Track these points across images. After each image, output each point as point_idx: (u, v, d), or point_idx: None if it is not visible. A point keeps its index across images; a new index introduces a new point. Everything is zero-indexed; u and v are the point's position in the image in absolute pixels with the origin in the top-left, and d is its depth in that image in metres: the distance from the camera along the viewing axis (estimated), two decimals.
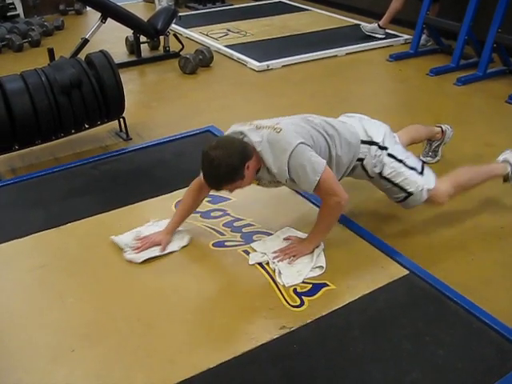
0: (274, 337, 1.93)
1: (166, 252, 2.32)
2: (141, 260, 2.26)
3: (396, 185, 2.34)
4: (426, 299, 2.10)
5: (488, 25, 4.15)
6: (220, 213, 2.60)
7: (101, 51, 3.19)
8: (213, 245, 2.39)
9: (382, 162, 2.32)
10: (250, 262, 2.24)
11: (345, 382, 1.79)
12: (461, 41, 4.36)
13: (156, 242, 2.33)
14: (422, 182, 2.32)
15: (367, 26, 5.10)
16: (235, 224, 2.53)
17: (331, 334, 1.96)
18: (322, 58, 4.71)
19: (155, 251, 2.30)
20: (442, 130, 2.85)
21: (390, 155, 2.33)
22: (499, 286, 2.19)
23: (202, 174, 2.16)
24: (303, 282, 2.17)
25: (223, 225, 2.52)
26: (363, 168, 2.35)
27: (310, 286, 2.16)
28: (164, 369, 1.82)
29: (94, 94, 3.03)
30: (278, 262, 2.22)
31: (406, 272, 2.22)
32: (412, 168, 2.34)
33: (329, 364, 1.84)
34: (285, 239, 2.35)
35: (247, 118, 2.90)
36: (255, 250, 2.31)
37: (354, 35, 5.12)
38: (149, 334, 1.95)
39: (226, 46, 4.89)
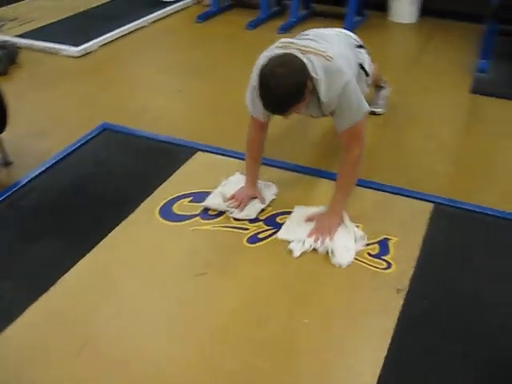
0: (401, 302, 1.88)
1: (267, 203, 2.29)
2: (255, 215, 2.24)
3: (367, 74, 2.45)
4: (472, 224, 2.26)
5: None
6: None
7: None
8: (247, 242, 2.16)
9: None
10: (296, 255, 2.05)
11: (487, 303, 1.88)
12: None
13: (250, 196, 2.28)
14: None
15: None
16: None
17: (440, 278, 1.99)
18: (133, 31, 4.37)
19: (257, 204, 2.28)
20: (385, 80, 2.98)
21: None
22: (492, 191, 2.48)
23: (254, 116, 2.16)
24: (368, 245, 2.12)
25: (235, 219, 2.28)
26: (363, 69, 2.40)
27: (377, 245, 2.14)
28: None
29: None
30: (322, 243, 2.08)
31: (431, 205, 2.33)
32: None
33: (465, 301, 1.90)
34: (307, 221, 2.19)
35: (121, 109, 3.02)
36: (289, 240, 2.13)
37: (146, 3, 4.84)
38: None
39: (18, 36, 4.17)
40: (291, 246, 2.07)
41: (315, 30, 2.34)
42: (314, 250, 2.06)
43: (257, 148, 2.29)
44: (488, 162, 2.69)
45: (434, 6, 4.49)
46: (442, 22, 4.44)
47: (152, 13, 4.60)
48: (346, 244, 2.06)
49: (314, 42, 2.12)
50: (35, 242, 2.17)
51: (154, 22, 4.58)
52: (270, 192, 2.37)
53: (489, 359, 1.70)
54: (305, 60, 1.97)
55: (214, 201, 2.32)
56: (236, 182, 2.39)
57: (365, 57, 2.42)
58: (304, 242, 2.08)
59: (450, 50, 3.95)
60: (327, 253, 2.04)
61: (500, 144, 2.84)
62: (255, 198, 2.31)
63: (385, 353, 1.70)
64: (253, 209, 2.27)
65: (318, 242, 2.07)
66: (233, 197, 2.29)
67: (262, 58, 2.07)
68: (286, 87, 1.85)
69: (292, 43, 2.08)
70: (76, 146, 2.77)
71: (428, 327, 1.80)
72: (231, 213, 2.26)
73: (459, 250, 2.10)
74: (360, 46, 2.43)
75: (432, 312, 1.85)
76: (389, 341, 1.74)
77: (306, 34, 2.28)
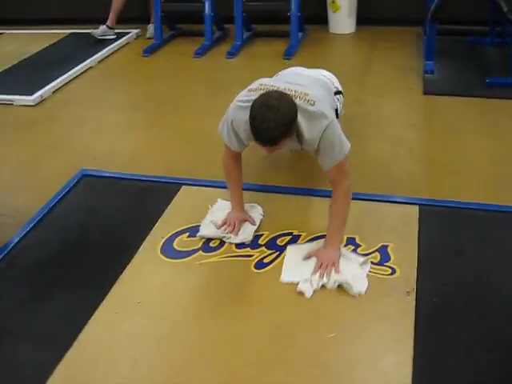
0: (413, 304, 1.99)
1: (258, 223, 2.38)
2: (251, 237, 2.32)
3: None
4: (459, 219, 2.41)
5: None
6: (217, 241, 2.40)
7: None
8: (255, 268, 2.23)
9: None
10: (308, 295, 2.03)
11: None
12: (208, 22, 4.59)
13: (241, 220, 2.36)
14: None
15: (96, 30, 4.89)
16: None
17: (443, 275, 2.12)
18: (81, 74, 4.37)
19: (250, 227, 2.36)
20: None
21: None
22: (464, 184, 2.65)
23: (228, 148, 2.26)
24: (370, 253, 2.23)
25: (237, 247, 2.35)
26: (336, 114, 2.45)
27: (377, 253, 2.24)
28: None
29: None
30: (329, 277, 2.07)
31: (417, 207, 2.48)
32: None
33: (472, 291, 2.04)
34: (306, 259, 2.19)
35: (89, 155, 3.10)
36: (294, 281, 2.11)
37: (87, 43, 4.86)
38: None
39: None
40: (300, 287, 2.05)
41: (293, 70, 2.45)
42: (323, 286, 2.06)
43: (236, 173, 2.37)
44: (454, 158, 2.87)
45: (368, 14, 4.70)
46: (380, 29, 4.67)
47: (96, 53, 4.61)
48: (354, 273, 2.07)
49: (294, 85, 2.12)
50: (45, 299, 2.16)
51: (101, 61, 4.58)
52: (257, 213, 2.44)
53: (506, 344, 1.83)
54: None
55: (208, 230, 2.38)
56: (221, 208, 2.46)
57: (340, 102, 2.51)
58: (311, 281, 2.06)
59: (394, 55, 4.16)
60: (339, 287, 2.05)
61: (460, 140, 3.03)
62: (245, 221, 2.38)
63: (411, 353, 1.80)
64: (247, 232, 2.34)
65: (324, 277, 2.07)
66: (224, 222, 2.36)
67: (241, 98, 2.15)
68: (281, 119, 1.90)
69: (273, 87, 2.11)
70: (59, 197, 2.76)
71: (445, 322, 1.91)
72: (228, 238, 2.33)
73: (454, 246, 2.25)
74: (338, 92, 2.52)
75: (445, 307, 1.97)
76: (412, 342, 1.84)
77: (286, 75, 2.39)
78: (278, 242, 2.35)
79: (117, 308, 2.10)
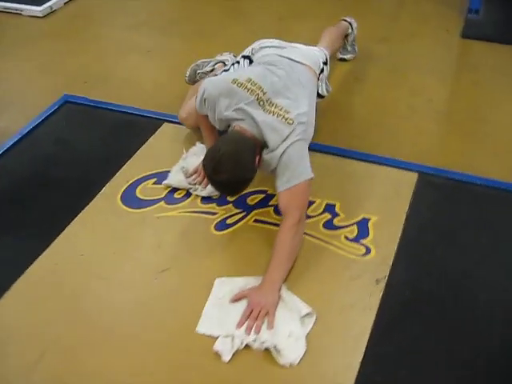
0: (380, 295, 1.73)
1: None
2: None
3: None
4: (461, 195, 2.08)
5: None
6: (183, 192, 2.16)
7: None
8: (215, 229, 1.99)
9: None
10: (226, 359, 1.54)
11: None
12: None
13: None
14: None
15: None
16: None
17: (424, 263, 1.83)
18: None
19: None
20: (349, 22, 2.71)
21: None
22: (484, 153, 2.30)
23: (194, 103, 2.04)
24: (347, 226, 1.95)
25: (202, 202, 2.11)
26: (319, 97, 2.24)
27: (355, 227, 1.97)
28: None
29: None
30: (258, 335, 1.58)
31: (416, 175, 2.15)
32: None
33: (451, 289, 1.75)
34: (234, 301, 1.70)
35: (84, 76, 2.79)
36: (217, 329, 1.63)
37: None
38: None
39: None
40: (217, 346, 1.55)
41: (283, 57, 2.12)
42: (248, 346, 1.57)
43: (210, 124, 2.07)
44: (480, 119, 2.50)
45: None
46: None
47: None
48: (291, 330, 1.58)
49: (281, 97, 1.91)
50: None
51: None
52: None
53: (475, 357, 1.56)
54: (260, 124, 1.82)
55: (175, 178, 2.15)
56: (197, 153, 2.22)
57: (323, 81, 2.26)
58: (233, 338, 1.57)
59: None
60: (266, 349, 1.56)
61: (493, 97, 2.63)
62: None
63: (361, 355, 1.55)
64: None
65: (252, 333, 1.59)
66: (195, 171, 2.13)
67: (224, 87, 1.92)
68: (232, 187, 1.81)
69: (260, 89, 1.90)
70: (35, 124, 2.57)
71: (409, 322, 1.66)
72: (195, 190, 2.11)
73: (446, 228, 1.95)
74: (324, 64, 2.27)
75: (416, 304, 1.71)
76: (366, 341, 1.59)
77: (279, 64, 2.06)
78: (249, 200, 2.10)
79: (58, 259, 1.94)
